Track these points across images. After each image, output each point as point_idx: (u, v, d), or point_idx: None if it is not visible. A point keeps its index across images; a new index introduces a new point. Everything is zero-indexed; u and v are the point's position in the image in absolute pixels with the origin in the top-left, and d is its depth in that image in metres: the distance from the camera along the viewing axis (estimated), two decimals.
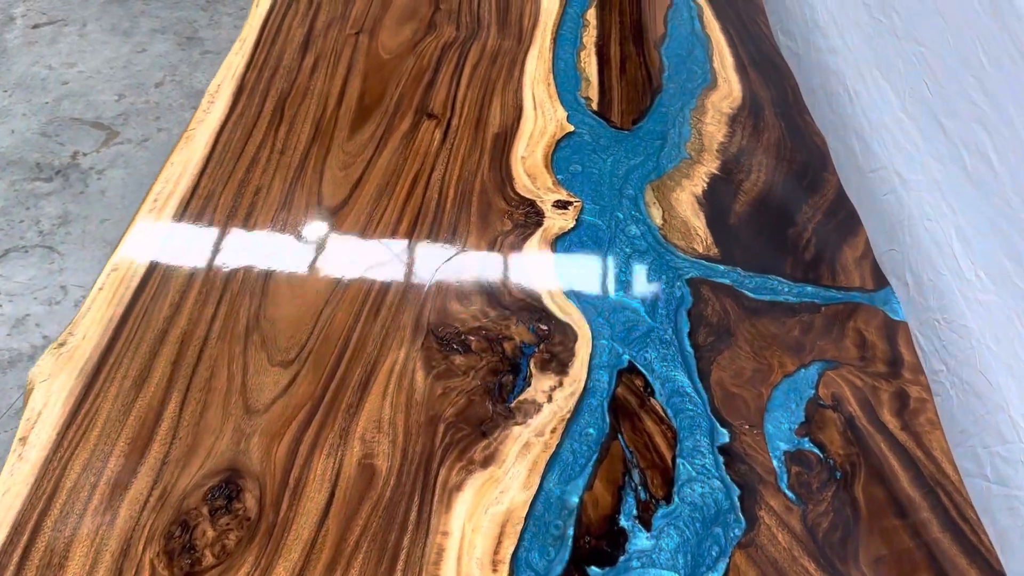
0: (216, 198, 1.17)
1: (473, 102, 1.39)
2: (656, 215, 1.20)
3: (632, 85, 1.45)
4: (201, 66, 2.93)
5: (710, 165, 1.30)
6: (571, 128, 1.35)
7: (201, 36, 3.06)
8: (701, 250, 1.15)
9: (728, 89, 1.45)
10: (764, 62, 1.52)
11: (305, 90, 1.38)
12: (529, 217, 1.19)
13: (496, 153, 1.30)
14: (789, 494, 0.89)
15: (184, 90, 2.81)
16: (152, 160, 2.54)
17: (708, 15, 1.63)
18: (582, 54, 1.52)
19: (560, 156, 1.30)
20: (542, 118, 1.37)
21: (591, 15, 1.62)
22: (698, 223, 1.19)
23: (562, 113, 1.38)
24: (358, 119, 1.34)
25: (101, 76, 2.82)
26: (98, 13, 3.13)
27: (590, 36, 1.56)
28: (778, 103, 1.43)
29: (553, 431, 0.93)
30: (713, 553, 0.83)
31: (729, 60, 1.52)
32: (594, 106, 1.40)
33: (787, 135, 1.36)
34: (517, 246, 1.14)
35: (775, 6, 2.03)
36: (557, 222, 1.18)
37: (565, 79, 1.45)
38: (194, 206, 1.15)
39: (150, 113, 2.70)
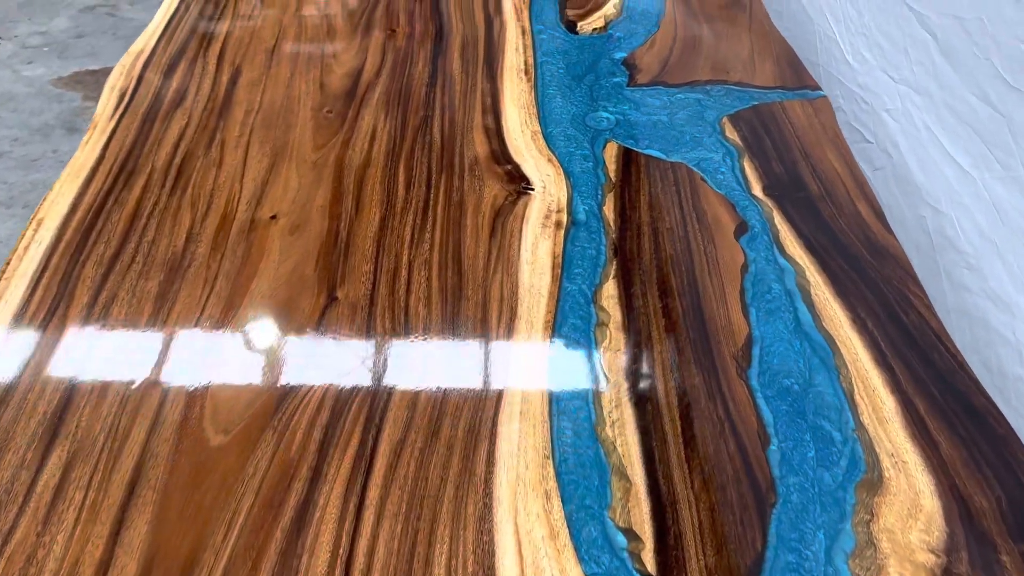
0: None
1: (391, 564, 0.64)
2: None
3: (718, 493, 0.71)
4: None
5: None
6: None
7: None
8: None
9: (906, 488, 0.72)
10: (950, 396, 0.79)
11: None
12: None
13: None
14: None
15: None
16: None
17: (820, 287, 0.91)
18: (604, 402, 0.78)
19: None
20: None
21: (608, 296, 0.89)
22: None
23: None
24: None
25: None
26: None
27: (614, 355, 0.83)
28: (1017, 529, 0.69)
29: None
30: None
31: (886, 400, 0.79)
32: (649, 566, 0.66)
33: None
34: None
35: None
36: None
37: (578, 484, 0.71)
38: None
39: None
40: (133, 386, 0.77)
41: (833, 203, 1.03)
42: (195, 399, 0.77)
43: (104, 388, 0.78)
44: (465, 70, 1.25)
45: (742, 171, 1.07)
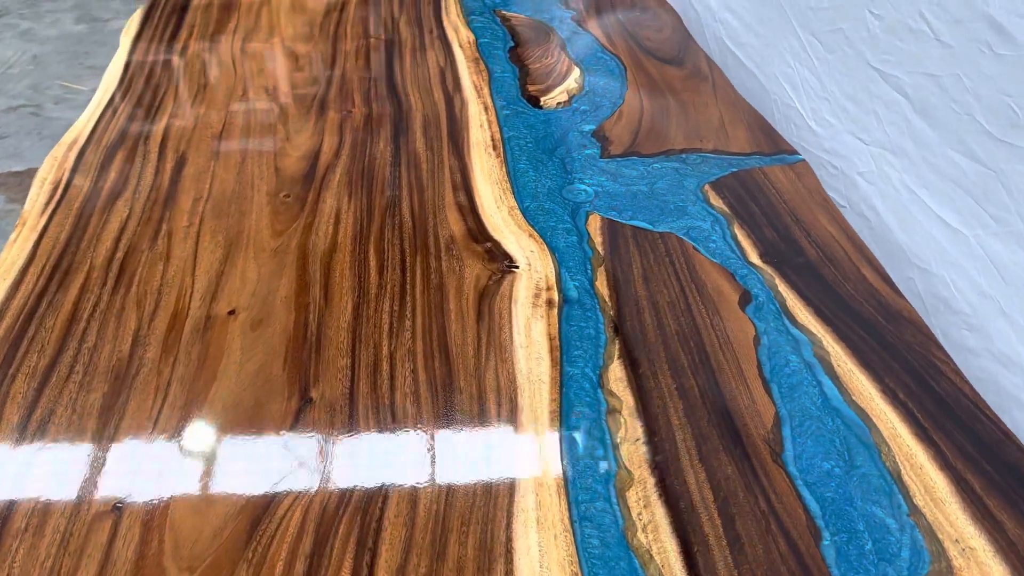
0: None
1: None
2: None
3: None
4: None
5: None
6: None
7: None
8: None
9: None
10: (1003, 469, 0.72)
11: None
12: None
13: None
14: None
15: None
16: None
17: (840, 357, 0.84)
18: (630, 502, 0.68)
19: None
20: None
21: (616, 378, 0.80)
22: None
23: None
24: None
25: None
26: None
27: (632, 445, 0.74)
28: None
29: None
30: None
31: (937, 478, 0.71)
32: None
33: None
34: None
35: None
36: None
37: None
38: None
39: None
40: (77, 519, 0.65)
41: (836, 267, 0.97)
42: (152, 531, 0.64)
43: (41, 524, 0.65)
44: (430, 147, 1.18)
45: (734, 238, 1.01)
